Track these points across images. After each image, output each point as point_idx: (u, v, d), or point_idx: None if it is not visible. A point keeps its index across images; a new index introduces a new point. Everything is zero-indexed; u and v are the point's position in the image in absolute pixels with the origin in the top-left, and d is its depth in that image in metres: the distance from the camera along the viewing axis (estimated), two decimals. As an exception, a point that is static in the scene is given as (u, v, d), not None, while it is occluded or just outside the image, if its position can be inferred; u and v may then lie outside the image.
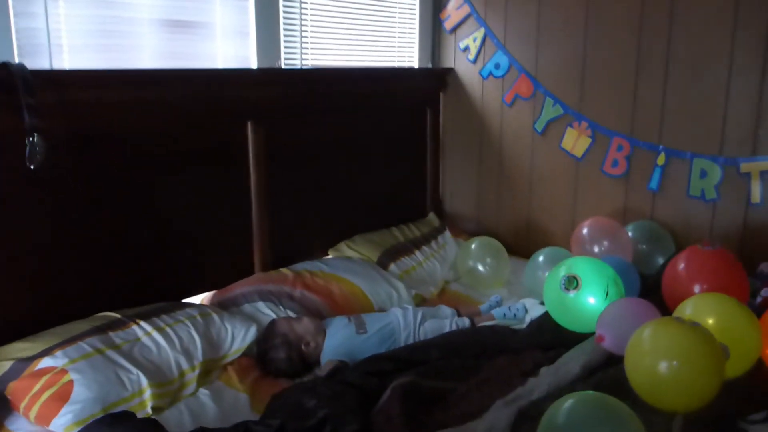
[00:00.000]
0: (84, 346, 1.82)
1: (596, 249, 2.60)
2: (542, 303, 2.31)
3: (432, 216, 3.33)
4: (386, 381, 1.84)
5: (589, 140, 2.90)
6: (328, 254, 2.90)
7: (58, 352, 1.77)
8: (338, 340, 2.10)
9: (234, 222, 2.53)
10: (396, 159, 3.20)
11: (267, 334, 2.06)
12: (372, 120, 3.04)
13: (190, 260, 2.39)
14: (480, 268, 2.74)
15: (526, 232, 3.20)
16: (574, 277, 2.04)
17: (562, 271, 2.11)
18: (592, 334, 2.06)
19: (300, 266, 2.60)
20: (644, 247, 2.64)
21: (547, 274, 2.44)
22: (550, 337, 2.11)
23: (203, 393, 1.91)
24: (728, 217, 2.59)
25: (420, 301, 2.61)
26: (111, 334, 1.90)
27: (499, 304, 2.46)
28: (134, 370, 1.80)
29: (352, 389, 1.71)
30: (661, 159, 2.72)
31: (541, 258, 2.57)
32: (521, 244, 3.10)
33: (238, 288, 2.42)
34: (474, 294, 2.72)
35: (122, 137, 2.14)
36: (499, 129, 3.22)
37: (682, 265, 2.18)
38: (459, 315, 2.35)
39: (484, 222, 3.37)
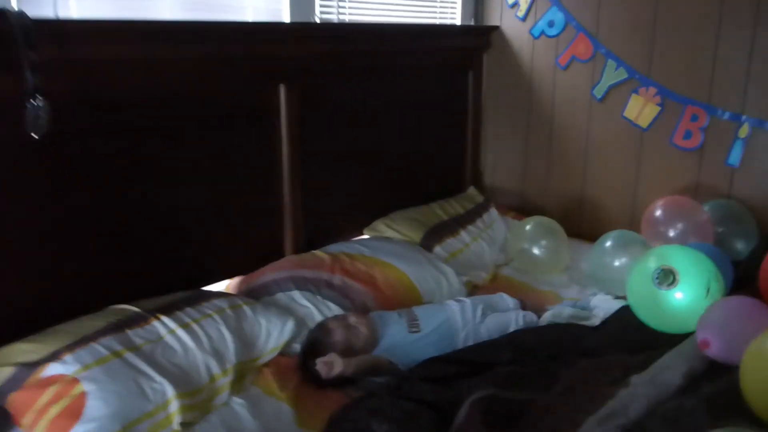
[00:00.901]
0: (98, 348, 1.53)
1: (672, 233, 2.30)
2: (617, 297, 2.02)
3: (473, 190, 3.03)
4: (456, 390, 1.57)
5: (658, 108, 2.58)
6: (363, 234, 2.61)
7: (68, 356, 1.49)
8: (389, 341, 1.81)
9: (263, 198, 2.23)
10: (433, 126, 2.88)
11: (319, 344, 1.76)
12: (409, 83, 2.71)
13: (213, 241, 2.10)
14: (536, 251, 2.45)
15: (578, 210, 2.90)
16: (671, 271, 1.75)
17: (652, 263, 1.81)
18: (687, 335, 1.78)
19: (336, 248, 2.31)
20: (722, 229, 2.35)
21: (626, 263, 2.17)
22: (636, 338, 1.82)
23: (237, 402, 1.63)
24: (822, 198, 2.30)
25: (471, 289, 2.33)
26: (129, 332, 1.62)
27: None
28: (158, 377, 1.52)
29: (424, 407, 1.44)
30: (743, 131, 2.40)
31: (608, 243, 2.27)
32: (572, 224, 2.78)
33: (269, 273, 2.13)
34: (529, 280, 2.43)
35: (136, 101, 1.83)
36: (550, 95, 2.89)
37: (785, 256, 1.89)
38: (524, 308, 2.06)
39: (530, 198, 3.06)
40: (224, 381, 1.64)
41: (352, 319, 1.81)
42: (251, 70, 2.10)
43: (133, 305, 1.74)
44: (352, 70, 2.45)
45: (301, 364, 1.75)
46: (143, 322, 1.67)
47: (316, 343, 1.76)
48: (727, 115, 2.43)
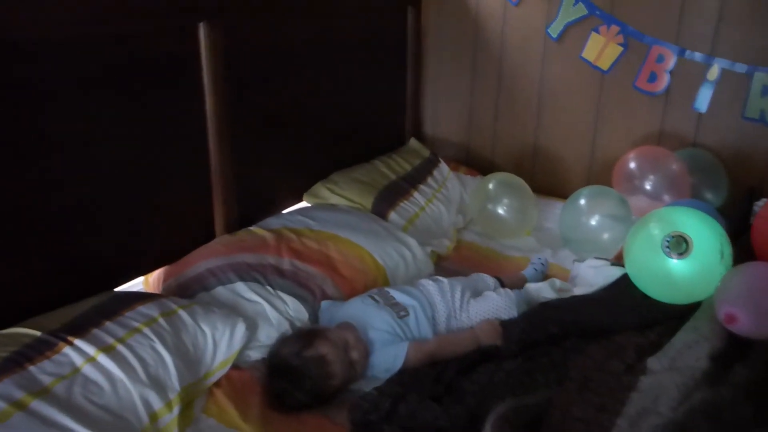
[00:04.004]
0: (-10, 399, 1.10)
1: (648, 187, 2.12)
2: (613, 263, 1.81)
3: (415, 143, 2.71)
4: (468, 402, 1.30)
5: (620, 49, 2.35)
6: (302, 201, 2.24)
7: (-53, 418, 1.06)
8: (386, 337, 1.50)
9: (185, 167, 1.80)
10: (371, 70, 2.51)
11: (309, 366, 1.38)
12: (343, 20, 2.30)
13: (123, 225, 1.66)
14: (501, 212, 2.19)
15: (531, 162, 2.67)
16: (683, 238, 1.54)
17: (656, 229, 1.60)
18: (695, 305, 1.60)
19: (277, 222, 1.94)
20: (691, 179, 2.19)
21: (603, 222, 1.97)
22: (641, 311, 1.62)
23: (191, 443, 1.27)
24: (793, 144, 2.18)
25: (436, 260, 2.04)
26: (32, 368, 1.19)
27: (544, 266, 1.93)
28: (82, 429, 1.13)
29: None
30: (712, 73, 2.23)
31: (582, 201, 2.05)
32: (525, 178, 2.49)
33: (201, 261, 1.73)
34: (496, 246, 2.18)
35: (13, 46, 1.33)
36: (499, 34, 2.59)
37: (784, 211, 1.74)
38: (502, 285, 1.81)
39: (476, 149, 2.79)
40: (169, 418, 1.26)
41: (335, 334, 1.45)
42: (163, 3, 1.63)
43: (28, 326, 1.30)
44: (282, 7, 2.01)
45: (270, 386, 1.39)
46: (49, 350, 1.24)
47: (309, 377, 1.37)
48: (696, 56, 2.24)
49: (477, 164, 2.75)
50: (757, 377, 1.36)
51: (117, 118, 1.58)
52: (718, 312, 1.48)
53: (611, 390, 1.41)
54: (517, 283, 1.84)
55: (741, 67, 2.18)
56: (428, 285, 1.70)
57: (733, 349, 1.48)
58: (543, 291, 1.76)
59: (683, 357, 1.47)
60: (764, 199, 2.06)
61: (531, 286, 1.80)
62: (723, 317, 1.46)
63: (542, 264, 1.93)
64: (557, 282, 1.78)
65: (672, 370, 1.43)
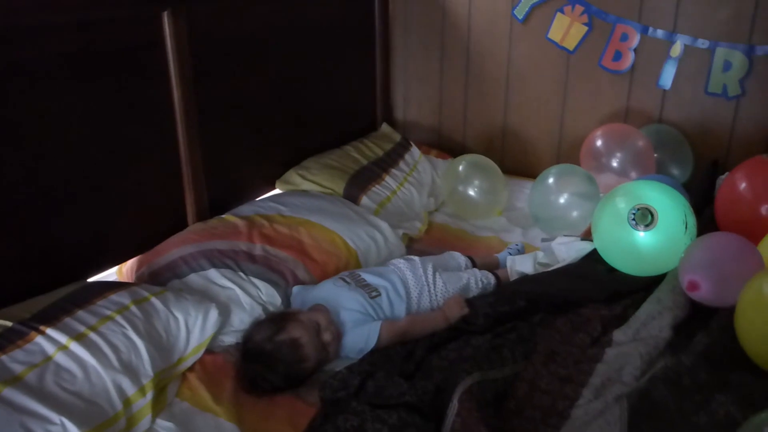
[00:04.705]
0: (-39, 389, 1.11)
1: (614, 164, 2.16)
2: (583, 239, 1.85)
3: (387, 128, 2.73)
4: (435, 378, 1.32)
5: (585, 28, 2.38)
6: (275, 189, 2.25)
7: None
8: (358, 317, 1.52)
9: (154, 156, 1.80)
10: (339, 56, 2.51)
11: (282, 350, 1.40)
12: (309, 6, 2.30)
13: (95, 216, 1.66)
14: (471, 193, 2.22)
15: (501, 143, 2.70)
16: (648, 210, 1.57)
17: (622, 202, 1.63)
18: (658, 278, 1.65)
19: (248, 210, 1.95)
20: (656, 155, 2.23)
21: (571, 200, 2.01)
22: (610, 285, 1.66)
23: (164, 427, 1.28)
24: (753, 118, 2.23)
25: (407, 242, 2.07)
26: (3, 357, 1.20)
27: (520, 252, 1.96)
28: (54, 415, 1.14)
29: (407, 413, 1.18)
30: (675, 50, 2.27)
31: (551, 179, 2.08)
32: (495, 159, 2.53)
33: (173, 250, 1.74)
34: (467, 226, 2.21)
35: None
36: (467, 16, 2.61)
37: (743, 184, 1.79)
38: (474, 265, 1.84)
39: (448, 132, 2.82)
40: (143, 402, 1.28)
41: (306, 317, 1.47)
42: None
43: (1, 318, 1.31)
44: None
45: (248, 376, 1.40)
46: (20, 339, 1.25)
47: (282, 361, 1.39)
48: (658, 33, 2.28)
49: (448, 147, 2.77)
50: (714, 343, 1.40)
51: (84, 107, 1.58)
52: (682, 280, 1.53)
53: (577, 362, 1.45)
54: (490, 264, 1.87)
55: (703, 43, 2.22)
56: (399, 263, 1.72)
57: (697, 319, 1.53)
58: (520, 263, 1.79)
59: (647, 328, 1.51)
60: (727, 173, 2.11)
61: (512, 258, 1.83)
62: (686, 285, 1.50)
63: (518, 251, 1.96)
64: (540, 254, 1.82)
65: (636, 341, 1.48)
